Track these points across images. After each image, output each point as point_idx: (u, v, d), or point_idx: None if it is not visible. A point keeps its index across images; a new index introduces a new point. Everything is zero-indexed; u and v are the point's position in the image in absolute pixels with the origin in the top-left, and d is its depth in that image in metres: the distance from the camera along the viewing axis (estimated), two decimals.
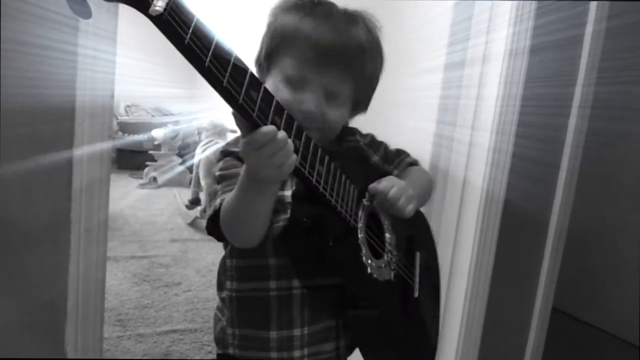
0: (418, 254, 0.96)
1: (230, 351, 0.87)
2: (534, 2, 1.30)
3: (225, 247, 0.88)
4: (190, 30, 0.52)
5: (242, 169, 0.68)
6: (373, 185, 0.83)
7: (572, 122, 1.57)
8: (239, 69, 0.57)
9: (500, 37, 1.30)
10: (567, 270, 1.80)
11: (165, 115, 5.06)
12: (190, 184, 4.01)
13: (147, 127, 4.78)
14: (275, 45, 0.81)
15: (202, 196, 3.62)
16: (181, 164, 4.70)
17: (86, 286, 1.24)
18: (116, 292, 2.40)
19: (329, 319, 0.85)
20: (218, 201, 0.75)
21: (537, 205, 1.63)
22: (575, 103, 1.55)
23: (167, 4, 0.50)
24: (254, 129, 0.60)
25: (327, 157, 0.73)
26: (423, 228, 1.05)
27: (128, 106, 5.08)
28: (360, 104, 0.88)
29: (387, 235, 0.87)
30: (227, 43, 0.56)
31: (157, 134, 4.50)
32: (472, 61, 1.33)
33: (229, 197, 0.72)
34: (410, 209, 0.84)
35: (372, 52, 0.83)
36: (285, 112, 0.64)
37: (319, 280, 0.78)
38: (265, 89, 0.61)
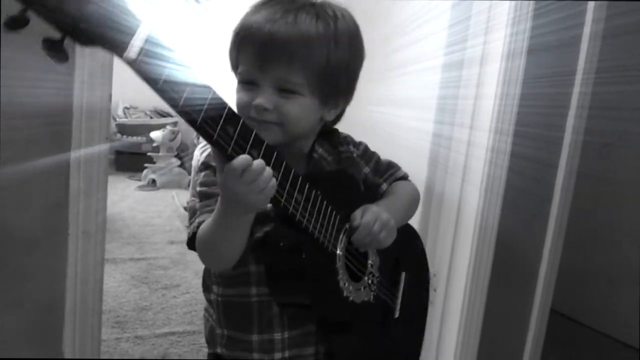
0: (403, 274, 0.97)
1: (219, 350, 0.89)
2: (531, 3, 1.31)
3: None
4: (163, 77, 0.54)
5: (219, 198, 0.68)
6: (355, 217, 0.83)
7: (570, 121, 1.57)
8: (216, 108, 0.59)
9: (499, 38, 1.30)
10: (566, 272, 1.80)
11: (164, 116, 5.06)
12: (188, 185, 4.00)
13: (145, 128, 4.77)
14: (233, 48, 0.81)
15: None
16: (180, 165, 4.69)
17: (84, 288, 1.24)
18: (114, 294, 2.40)
19: (309, 324, 0.86)
20: (196, 222, 0.76)
21: (536, 205, 1.63)
22: (573, 103, 1.55)
23: (141, 49, 0.51)
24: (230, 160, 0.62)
25: (307, 185, 0.73)
26: (412, 247, 1.06)
27: (127, 108, 5.08)
28: (329, 96, 0.82)
29: (371, 258, 0.89)
30: (202, 81, 0.58)
31: (156, 135, 4.49)
32: (470, 61, 1.34)
33: (205, 223, 0.73)
34: (389, 241, 0.85)
35: (324, 40, 0.77)
36: (265, 144, 0.65)
37: (292, 298, 0.80)
38: (243, 122, 0.62)
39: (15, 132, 1.08)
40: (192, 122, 0.57)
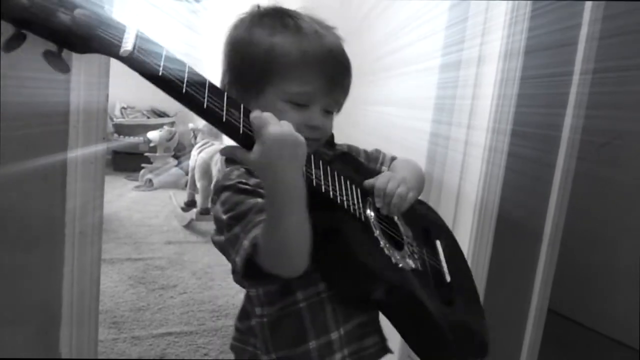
0: (439, 242, 0.96)
1: None
2: (529, 3, 1.31)
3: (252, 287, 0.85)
4: (162, 62, 0.55)
5: (260, 197, 0.69)
6: (369, 182, 0.83)
7: (568, 121, 1.57)
8: (216, 89, 0.60)
9: (496, 39, 1.31)
10: (563, 271, 1.80)
11: (161, 117, 5.05)
12: (186, 186, 4.00)
13: (142, 128, 4.75)
14: (268, 67, 0.78)
15: (198, 198, 3.61)
16: (177, 165, 4.69)
17: (81, 288, 1.24)
18: (111, 294, 2.39)
19: (359, 314, 0.84)
20: (247, 242, 0.71)
21: (533, 205, 1.63)
22: (571, 103, 1.56)
23: (135, 43, 0.53)
24: (245, 141, 0.62)
25: (321, 161, 0.73)
26: (436, 220, 1.06)
27: (124, 108, 5.07)
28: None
29: (403, 230, 0.87)
30: (196, 70, 0.59)
31: (153, 135, 4.48)
32: (468, 62, 1.34)
33: (261, 230, 0.69)
34: (411, 196, 0.83)
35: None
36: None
37: (349, 282, 0.77)
38: (244, 106, 0.63)
39: (13, 132, 1.08)
40: (198, 106, 0.57)
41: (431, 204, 1.47)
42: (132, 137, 4.77)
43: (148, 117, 5.09)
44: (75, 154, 1.16)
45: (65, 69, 0.52)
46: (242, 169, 0.77)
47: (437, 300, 0.85)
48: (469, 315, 0.95)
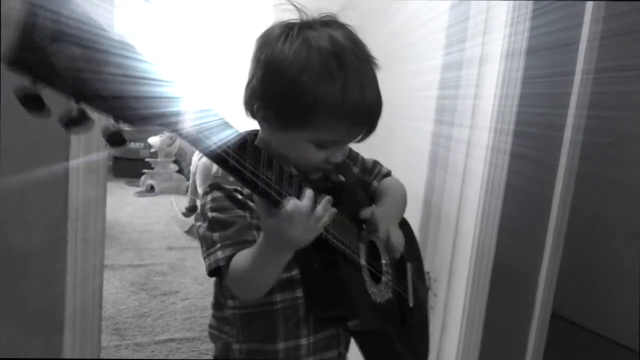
0: (409, 265, 1.01)
1: None
2: (530, 3, 1.31)
3: None
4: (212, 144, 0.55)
5: (261, 238, 0.71)
6: (365, 213, 0.88)
7: (570, 121, 1.56)
8: (255, 153, 0.60)
9: (497, 38, 1.30)
10: (567, 275, 1.79)
11: None
12: (187, 191, 3.99)
13: (143, 134, 4.76)
14: (307, 117, 0.78)
15: (199, 203, 3.60)
16: (178, 171, 4.68)
17: (84, 296, 1.23)
18: (113, 300, 2.38)
19: (332, 327, 0.88)
20: (221, 255, 0.76)
21: (536, 205, 1.62)
22: (573, 103, 1.55)
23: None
24: (275, 203, 0.64)
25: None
26: (408, 237, 1.07)
27: None
28: None
29: (384, 257, 0.92)
30: (235, 128, 0.58)
31: (154, 141, 4.48)
32: (469, 62, 1.33)
33: (240, 258, 0.74)
34: (402, 248, 0.91)
35: None
36: (295, 176, 0.68)
37: (330, 312, 0.83)
38: (276, 162, 0.64)
39: (14, 140, 1.07)
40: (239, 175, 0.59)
41: (433, 205, 1.47)
42: (132, 143, 4.78)
43: None
44: (77, 161, 1.16)
45: (45, 115, 0.43)
46: None
47: (397, 325, 0.94)
48: (417, 338, 1.04)
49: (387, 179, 1.03)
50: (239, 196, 0.79)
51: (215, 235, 0.78)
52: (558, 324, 1.95)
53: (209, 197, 0.81)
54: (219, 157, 0.55)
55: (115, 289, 2.51)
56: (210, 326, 0.94)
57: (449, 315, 1.45)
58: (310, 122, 0.77)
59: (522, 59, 1.33)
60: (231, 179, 0.76)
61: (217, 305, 0.91)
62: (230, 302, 0.87)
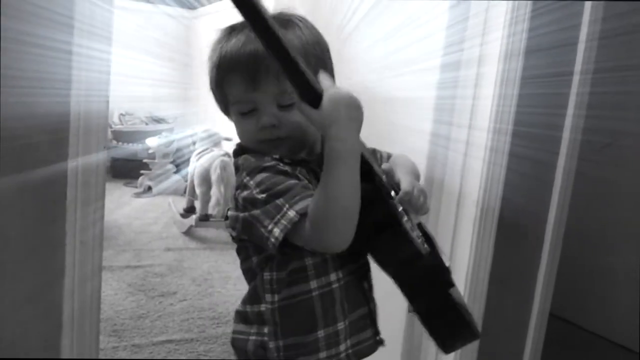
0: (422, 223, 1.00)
1: None
2: (529, 3, 1.31)
3: (263, 262, 0.85)
4: None
5: (298, 179, 0.75)
6: (386, 166, 0.88)
7: (569, 121, 1.57)
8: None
9: (496, 39, 1.31)
10: (565, 275, 1.79)
11: (160, 123, 5.04)
12: (185, 192, 3.99)
13: (141, 135, 4.75)
14: (219, 82, 0.84)
15: (197, 204, 3.59)
16: (176, 172, 4.67)
17: (82, 298, 1.23)
18: (111, 302, 2.37)
19: (362, 306, 0.88)
20: (292, 212, 0.73)
21: (534, 206, 1.62)
22: (571, 103, 1.55)
23: None
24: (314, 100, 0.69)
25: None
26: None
27: (122, 115, 5.06)
28: None
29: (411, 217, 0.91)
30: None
31: (152, 142, 4.47)
32: (468, 62, 1.34)
33: (312, 204, 0.72)
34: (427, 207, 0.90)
35: (299, 47, 0.81)
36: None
37: (354, 267, 0.84)
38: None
39: (13, 140, 1.07)
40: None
41: (432, 205, 1.47)
42: (130, 144, 4.76)
43: (146, 124, 5.09)
44: (76, 163, 1.15)
45: None
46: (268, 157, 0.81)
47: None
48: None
49: (396, 156, 1.02)
50: (286, 168, 0.78)
51: (280, 200, 0.74)
52: (556, 324, 1.95)
53: (252, 183, 0.78)
54: None
55: (113, 290, 2.50)
56: (235, 332, 0.89)
57: None
58: (219, 89, 0.84)
59: (520, 59, 1.34)
60: (267, 158, 0.79)
61: (254, 299, 0.86)
62: (268, 297, 0.84)
